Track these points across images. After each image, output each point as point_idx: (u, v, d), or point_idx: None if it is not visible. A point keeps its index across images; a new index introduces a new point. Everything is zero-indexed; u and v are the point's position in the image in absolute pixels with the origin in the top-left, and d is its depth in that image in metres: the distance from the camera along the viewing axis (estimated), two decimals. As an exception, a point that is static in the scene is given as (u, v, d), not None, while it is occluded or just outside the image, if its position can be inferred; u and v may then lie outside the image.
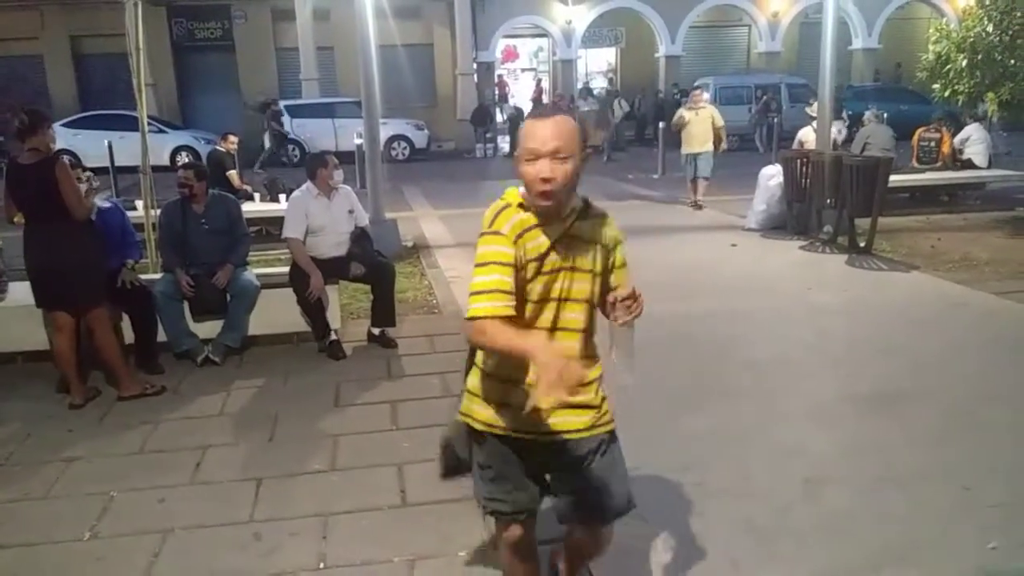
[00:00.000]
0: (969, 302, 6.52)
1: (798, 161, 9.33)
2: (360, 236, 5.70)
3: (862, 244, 8.32)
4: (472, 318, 2.01)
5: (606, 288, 2.20)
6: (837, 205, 8.71)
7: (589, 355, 2.25)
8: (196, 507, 3.53)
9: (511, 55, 30.41)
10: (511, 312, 2.02)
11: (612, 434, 2.29)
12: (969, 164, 11.35)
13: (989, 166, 11.46)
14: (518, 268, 2.05)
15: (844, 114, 12.40)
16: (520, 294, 2.07)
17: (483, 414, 2.24)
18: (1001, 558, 3.02)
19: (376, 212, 8.30)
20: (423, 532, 3.25)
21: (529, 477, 2.28)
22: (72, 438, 4.28)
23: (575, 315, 2.17)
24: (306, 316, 5.54)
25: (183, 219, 5.44)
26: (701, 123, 11.35)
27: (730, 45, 28.38)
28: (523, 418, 2.10)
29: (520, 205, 2.11)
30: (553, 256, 2.11)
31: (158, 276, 5.57)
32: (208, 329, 5.44)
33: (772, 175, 9.83)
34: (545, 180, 2.00)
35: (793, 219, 9.51)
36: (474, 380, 2.28)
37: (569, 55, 26.39)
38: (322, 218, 5.47)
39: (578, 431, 2.21)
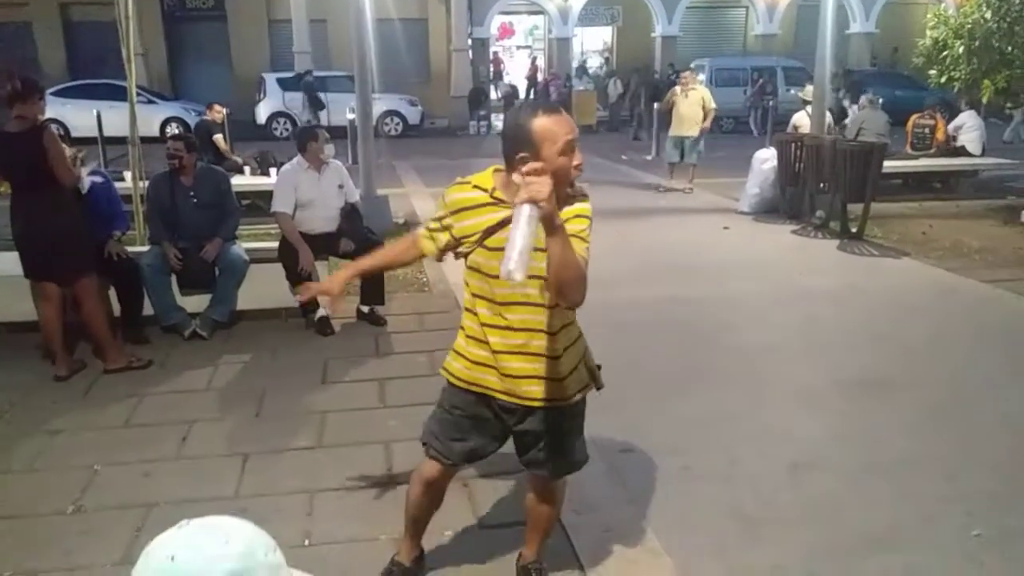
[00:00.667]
0: (959, 289, 6.53)
1: (792, 145, 9.31)
2: (350, 212, 5.66)
3: (854, 229, 8.32)
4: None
5: None
6: (830, 190, 8.70)
7: (553, 331, 2.31)
8: (181, 482, 3.51)
9: (507, 32, 30.14)
10: (427, 246, 2.40)
11: (579, 401, 2.44)
12: (963, 151, 11.35)
13: (983, 154, 11.46)
14: (456, 238, 2.31)
15: (862, 98, 11.99)
16: (476, 268, 2.30)
17: (455, 367, 2.45)
18: (984, 546, 3.04)
19: (367, 188, 8.24)
20: (409, 511, 3.24)
21: (486, 434, 2.47)
22: (57, 410, 4.25)
23: (535, 291, 2.25)
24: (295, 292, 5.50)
25: (171, 192, 5.37)
26: (691, 105, 11.06)
27: (727, 26, 28.19)
28: (489, 379, 2.37)
29: (477, 186, 2.27)
30: (503, 235, 2.17)
31: (145, 248, 5.52)
32: (196, 303, 5.39)
33: (766, 159, 9.81)
34: (578, 167, 2.18)
35: (786, 203, 9.50)
36: (457, 339, 2.47)
37: (565, 33, 26.19)
38: (311, 192, 5.41)
39: (538, 400, 2.36)
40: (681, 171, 11.40)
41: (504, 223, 2.15)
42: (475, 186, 2.28)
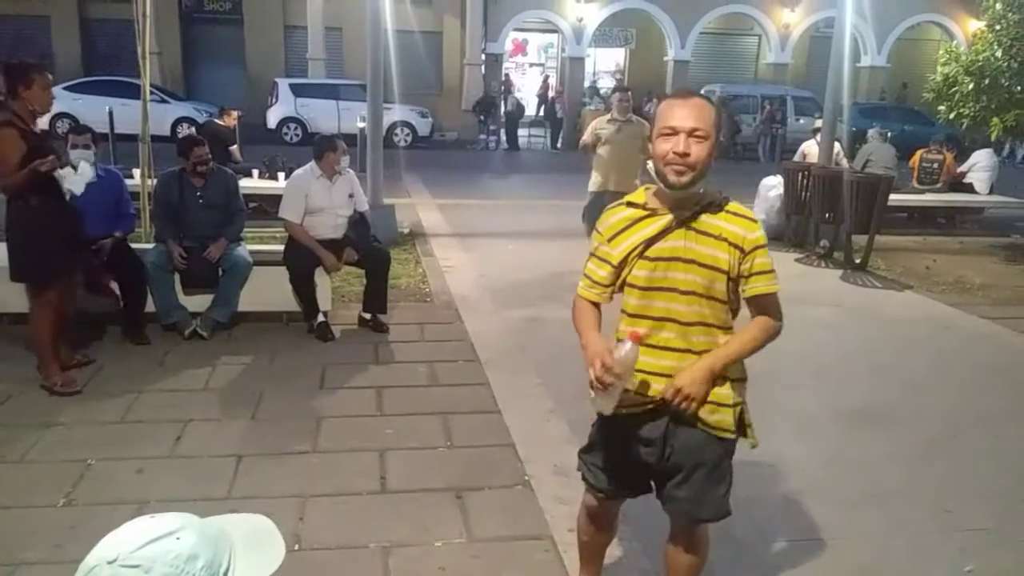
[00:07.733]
0: (959, 325, 6.53)
1: (799, 174, 9.33)
2: (358, 221, 5.67)
3: (858, 260, 8.33)
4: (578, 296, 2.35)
5: (734, 290, 2.23)
6: (835, 220, 8.72)
7: (697, 351, 2.23)
8: (174, 480, 3.51)
9: (520, 48, 30.29)
10: (596, 298, 2.30)
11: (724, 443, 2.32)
12: (969, 188, 11.36)
13: (990, 192, 11.47)
14: (617, 264, 2.23)
15: (871, 131, 11.79)
16: (626, 283, 2.24)
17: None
18: (976, 582, 3.03)
19: (375, 197, 8.25)
20: (400, 520, 3.24)
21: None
22: (53, 403, 4.25)
23: (684, 307, 2.19)
24: (298, 296, 5.51)
25: (180, 191, 5.40)
26: (627, 143, 7.12)
27: (739, 53, 28.32)
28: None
29: (630, 203, 2.26)
30: (663, 245, 2.17)
31: (150, 246, 5.53)
32: (198, 303, 5.40)
33: (772, 186, 9.83)
34: (681, 155, 2.07)
35: (791, 231, 9.51)
36: None
37: (578, 53, 26.27)
38: (322, 200, 5.43)
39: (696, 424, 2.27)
40: None
41: (666, 231, 2.17)
42: (628, 204, 2.27)
